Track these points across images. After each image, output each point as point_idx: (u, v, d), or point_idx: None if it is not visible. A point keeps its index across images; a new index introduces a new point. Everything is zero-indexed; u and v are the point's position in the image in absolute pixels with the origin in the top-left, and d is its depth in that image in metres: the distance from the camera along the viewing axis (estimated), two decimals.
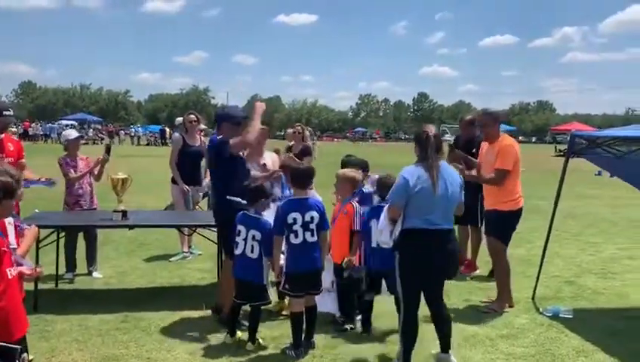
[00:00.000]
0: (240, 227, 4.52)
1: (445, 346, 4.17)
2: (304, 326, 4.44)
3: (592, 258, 8.05)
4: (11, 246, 3.39)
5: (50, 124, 52.99)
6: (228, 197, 4.84)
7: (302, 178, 4.58)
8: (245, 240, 4.48)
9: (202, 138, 7.65)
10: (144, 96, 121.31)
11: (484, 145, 5.74)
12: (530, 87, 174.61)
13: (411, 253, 3.96)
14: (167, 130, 46.76)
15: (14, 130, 49.40)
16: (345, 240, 4.78)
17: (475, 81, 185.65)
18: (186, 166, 7.29)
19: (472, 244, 7.03)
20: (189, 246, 7.45)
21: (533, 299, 5.88)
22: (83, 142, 6.64)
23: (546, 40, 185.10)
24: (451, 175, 4.06)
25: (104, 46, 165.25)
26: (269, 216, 4.61)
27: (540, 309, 5.55)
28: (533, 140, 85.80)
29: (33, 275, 3.22)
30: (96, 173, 6.43)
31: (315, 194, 5.15)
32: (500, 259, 5.59)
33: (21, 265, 3.17)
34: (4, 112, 5.32)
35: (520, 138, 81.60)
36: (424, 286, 4.08)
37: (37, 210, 6.29)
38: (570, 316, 5.33)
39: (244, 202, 4.64)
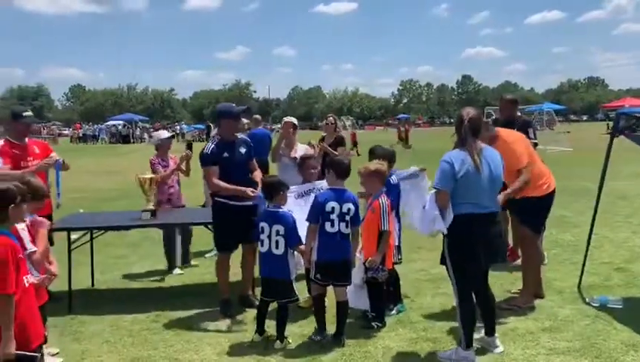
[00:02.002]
0: (263, 224, 4.42)
1: (490, 330, 4.16)
2: (325, 315, 4.51)
3: None
4: (30, 250, 3.39)
5: (97, 126, 54.68)
6: (216, 198, 5.12)
7: (343, 170, 4.57)
8: (269, 236, 4.39)
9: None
10: (189, 93, 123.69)
11: None
12: (581, 63, 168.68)
13: (462, 239, 3.93)
14: (212, 125, 47.42)
15: (67, 132, 51.29)
16: (372, 238, 4.61)
17: (522, 60, 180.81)
18: None
19: (513, 230, 6.67)
20: None
21: (579, 287, 5.54)
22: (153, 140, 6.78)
23: (597, 12, 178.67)
24: (493, 156, 4.02)
25: (150, 46, 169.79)
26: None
27: (587, 299, 5.21)
28: (585, 118, 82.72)
29: (42, 284, 3.24)
30: (184, 168, 6.60)
31: None
32: (529, 248, 5.25)
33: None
34: (24, 113, 5.33)
35: (571, 117, 79.08)
36: (473, 271, 4.07)
37: (81, 210, 6.36)
38: (620, 306, 4.98)
39: (233, 202, 4.93)
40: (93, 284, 6.16)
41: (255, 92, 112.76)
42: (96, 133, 50.35)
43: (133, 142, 47.16)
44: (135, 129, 51.57)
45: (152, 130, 56.44)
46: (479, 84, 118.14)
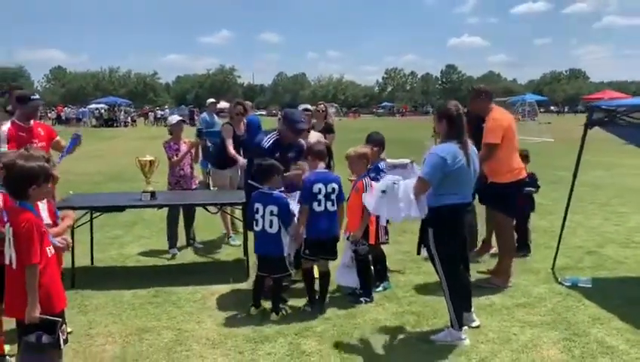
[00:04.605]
0: (257, 205, 4.73)
1: (468, 306, 4.43)
2: (316, 287, 4.92)
3: (617, 228, 8.01)
4: (45, 222, 3.64)
5: (82, 108, 54.04)
6: (249, 181, 5.27)
7: (320, 153, 4.97)
8: (263, 216, 4.70)
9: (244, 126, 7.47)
10: (172, 77, 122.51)
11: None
12: (564, 55, 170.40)
13: (450, 228, 4.13)
14: (195, 111, 47.17)
15: (50, 115, 50.89)
16: (356, 217, 4.97)
17: (506, 51, 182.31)
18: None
19: (487, 221, 6.60)
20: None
21: (552, 269, 5.94)
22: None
23: (581, 5, 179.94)
24: (474, 150, 4.27)
25: (133, 29, 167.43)
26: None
27: (559, 279, 5.61)
28: (566, 110, 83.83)
29: (64, 248, 3.50)
30: (193, 154, 6.98)
31: None
32: (504, 233, 5.61)
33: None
34: (32, 97, 5.49)
35: (552, 108, 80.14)
36: (460, 256, 4.30)
37: (71, 192, 6.58)
38: (589, 285, 5.39)
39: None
40: (92, 262, 6.40)
41: (239, 77, 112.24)
42: (80, 116, 49.73)
43: (117, 126, 46.81)
44: (119, 113, 51.05)
45: (135, 114, 56.13)
46: (463, 73, 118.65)
